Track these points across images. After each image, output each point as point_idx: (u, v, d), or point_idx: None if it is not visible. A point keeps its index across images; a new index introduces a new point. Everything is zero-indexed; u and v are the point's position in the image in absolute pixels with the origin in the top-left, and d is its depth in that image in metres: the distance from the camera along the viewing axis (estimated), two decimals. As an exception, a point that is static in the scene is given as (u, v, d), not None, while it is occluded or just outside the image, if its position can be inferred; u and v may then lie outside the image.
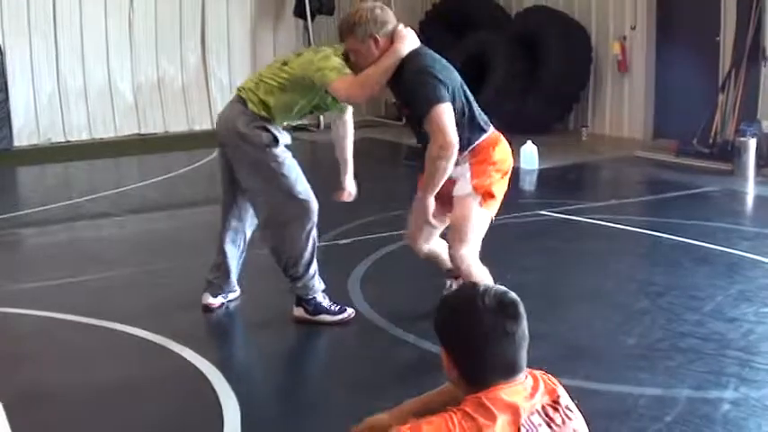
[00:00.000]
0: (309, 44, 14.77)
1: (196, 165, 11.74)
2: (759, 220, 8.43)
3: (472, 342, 2.47)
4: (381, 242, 7.08)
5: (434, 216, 4.79)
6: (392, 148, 12.98)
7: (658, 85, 12.79)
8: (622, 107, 13.23)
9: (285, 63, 5.24)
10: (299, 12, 14.82)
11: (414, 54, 4.74)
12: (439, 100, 4.52)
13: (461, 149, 4.66)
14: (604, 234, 7.78)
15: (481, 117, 4.85)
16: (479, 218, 4.76)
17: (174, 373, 4.80)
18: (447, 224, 5.00)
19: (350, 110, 5.62)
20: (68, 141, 13.62)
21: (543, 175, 10.50)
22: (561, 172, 10.77)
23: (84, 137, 13.79)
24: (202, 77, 14.77)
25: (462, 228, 4.75)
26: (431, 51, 4.83)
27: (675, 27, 12.48)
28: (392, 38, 4.76)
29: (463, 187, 4.76)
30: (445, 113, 4.52)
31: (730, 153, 10.51)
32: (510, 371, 2.47)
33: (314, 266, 5.36)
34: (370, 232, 7.39)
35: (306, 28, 14.95)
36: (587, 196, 9.79)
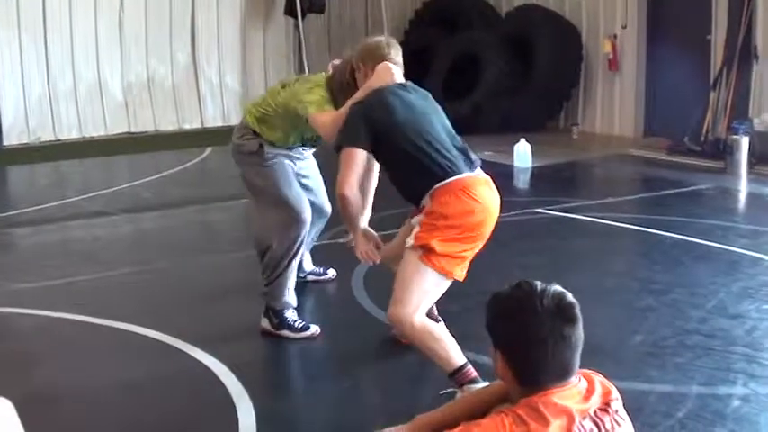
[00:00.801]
0: (300, 43, 14.77)
1: (187, 164, 11.73)
2: (754, 217, 8.45)
3: (528, 345, 2.44)
4: (383, 240, 7.05)
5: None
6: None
7: (649, 83, 12.85)
8: (613, 105, 13.28)
9: (284, 87, 5.21)
10: (290, 10, 14.79)
11: (375, 90, 4.51)
12: (348, 143, 4.31)
13: (421, 193, 4.33)
14: (602, 232, 7.81)
15: (448, 160, 4.31)
16: (418, 275, 4.23)
17: (184, 372, 4.79)
18: None
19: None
20: (58, 140, 13.55)
21: (536, 173, 10.52)
22: (554, 170, 10.79)
23: (75, 136, 13.72)
24: (192, 76, 14.72)
25: (398, 286, 4.30)
26: (400, 91, 4.50)
27: (666, 25, 12.53)
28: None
29: (409, 240, 4.33)
30: (348, 158, 4.28)
31: (722, 151, 10.55)
32: (564, 374, 2.45)
33: (288, 278, 5.25)
34: (375, 229, 7.36)
35: (296, 26, 14.94)
36: (582, 194, 9.81)
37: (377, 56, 4.65)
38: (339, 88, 4.88)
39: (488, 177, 4.46)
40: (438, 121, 4.47)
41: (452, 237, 4.23)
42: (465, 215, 4.23)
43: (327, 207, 5.82)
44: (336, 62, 5.18)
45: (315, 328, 5.25)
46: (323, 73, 5.16)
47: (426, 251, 4.21)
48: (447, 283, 4.34)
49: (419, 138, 4.31)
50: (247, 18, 15.10)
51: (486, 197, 4.33)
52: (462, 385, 4.13)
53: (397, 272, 4.38)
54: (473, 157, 4.44)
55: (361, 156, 4.29)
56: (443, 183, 4.25)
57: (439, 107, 4.62)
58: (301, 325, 5.24)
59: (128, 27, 14.01)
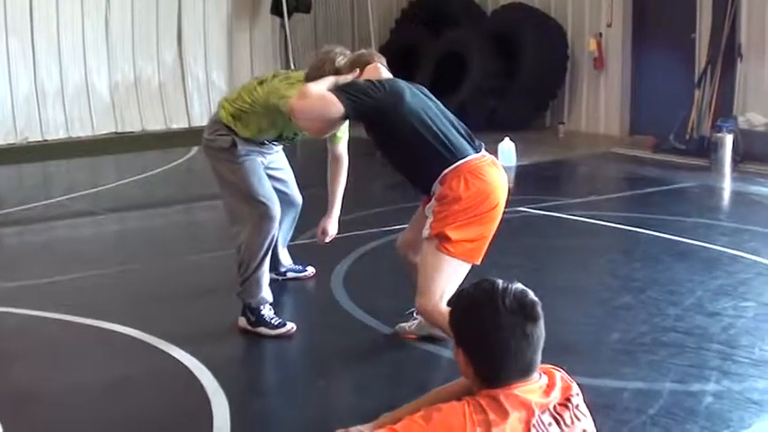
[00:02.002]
0: (286, 42, 14.77)
1: (174, 163, 11.75)
2: (736, 215, 8.50)
3: (490, 342, 2.45)
4: (362, 240, 7.11)
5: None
6: (369, 146, 12.96)
7: (634, 81, 12.90)
8: (599, 104, 13.32)
9: (261, 83, 5.24)
10: (276, 9, 14.81)
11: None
12: (343, 96, 4.29)
13: (432, 179, 4.41)
14: (584, 230, 7.84)
15: (454, 144, 4.42)
16: (438, 265, 4.37)
17: (162, 371, 4.80)
18: None
19: (344, 143, 5.58)
20: (45, 140, 13.55)
21: (521, 171, 10.54)
22: (539, 168, 10.82)
23: (62, 136, 13.72)
24: (179, 76, 14.73)
25: (421, 277, 4.44)
26: (392, 79, 4.59)
27: (651, 24, 12.58)
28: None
29: (424, 231, 4.45)
30: (327, 99, 4.28)
31: (707, 149, 10.61)
32: (525, 372, 2.46)
33: (262, 274, 5.28)
34: (350, 230, 7.40)
35: (282, 26, 14.95)
36: (566, 192, 9.85)
37: (365, 57, 4.79)
38: (316, 75, 4.89)
39: (494, 158, 4.60)
40: (439, 109, 4.57)
41: (466, 221, 4.34)
42: (476, 197, 4.34)
43: (298, 198, 5.93)
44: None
45: (290, 326, 5.26)
46: (301, 71, 5.21)
47: (442, 240, 4.33)
48: (467, 267, 4.46)
49: (429, 121, 4.42)
50: (234, 17, 15.12)
51: (495, 177, 4.43)
52: None
53: (418, 263, 4.51)
54: (477, 140, 4.55)
55: (336, 108, 4.26)
56: (452, 167, 4.35)
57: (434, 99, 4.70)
58: (278, 322, 5.26)
59: (114, 27, 14.01)
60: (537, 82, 13.21)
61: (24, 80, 13.37)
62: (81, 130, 13.88)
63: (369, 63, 4.73)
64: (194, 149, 12.44)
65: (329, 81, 4.59)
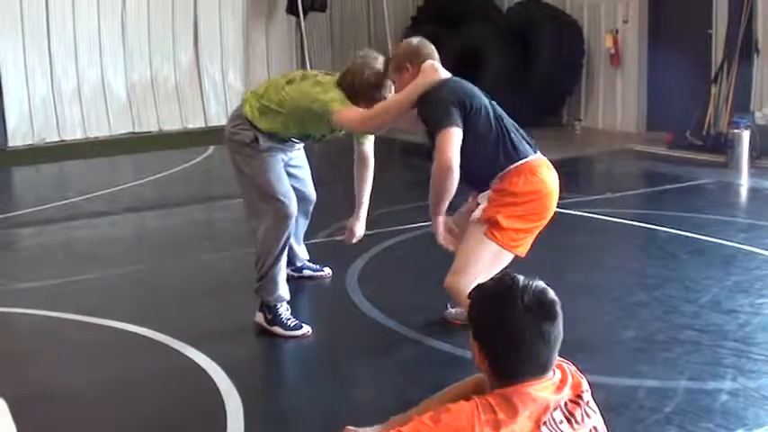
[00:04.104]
0: (302, 41, 14.77)
1: (190, 163, 11.78)
2: (753, 211, 8.46)
3: (507, 339, 2.44)
4: (377, 238, 7.10)
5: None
6: (385, 145, 12.96)
7: (651, 78, 12.84)
8: (615, 100, 13.27)
9: (289, 82, 5.21)
10: (292, 8, 14.82)
11: (438, 82, 4.70)
12: (447, 124, 4.47)
13: (493, 173, 4.61)
14: (600, 227, 7.82)
15: (518, 143, 4.67)
16: (481, 248, 4.58)
17: (176, 371, 4.81)
18: None
19: (370, 143, 5.60)
20: (63, 141, 13.57)
21: (537, 169, 10.48)
22: (555, 165, 10.66)
23: (79, 136, 13.75)
24: (195, 76, 14.74)
25: (460, 256, 4.62)
26: (458, 80, 4.78)
27: (667, 20, 12.53)
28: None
29: (475, 214, 4.66)
30: (450, 137, 4.44)
31: (723, 145, 10.55)
32: (541, 370, 2.45)
33: (278, 271, 5.28)
34: (366, 228, 7.39)
35: (298, 24, 14.96)
36: (582, 189, 9.78)
37: (423, 54, 4.84)
38: (356, 90, 5.01)
39: (546, 159, 4.81)
40: (500, 109, 4.78)
41: (518, 214, 4.58)
42: (532, 194, 4.60)
43: (313, 195, 5.94)
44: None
45: (306, 329, 5.25)
46: (327, 73, 5.25)
47: (492, 225, 4.55)
48: (508, 258, 4.64)
49: (497, 121, 4.65)
50: (250, 17, 15.13)
51: (550, 178, 4.70)
52: None
53: (459, 243, 4.62)
54: (532, 141, 4.80)
55: (459, 134, 4.45)
56: (515, 164, 4.60)
57: None
58: (294, 324, 5.25)
59: (131, 27, 14.03)
60: (553, 79, 13.18)
61: (41, 81, 13.40)
62: (98, 130, 13.90)
63: (426, 60, 4.80)
64: (211, 149, 12.48)
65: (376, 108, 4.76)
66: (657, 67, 12.63)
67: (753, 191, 9.42)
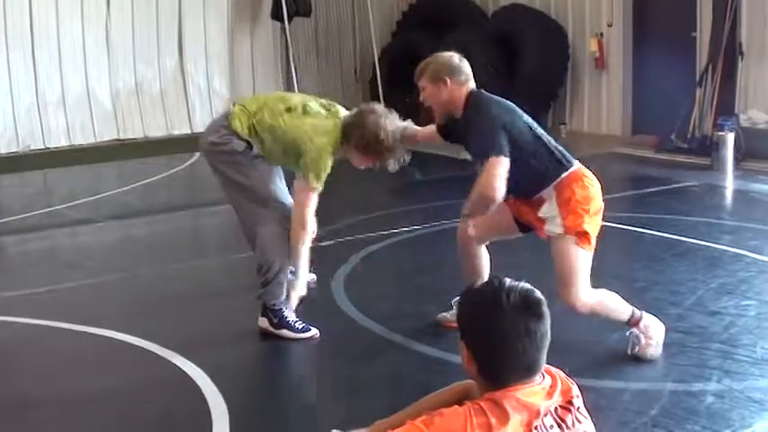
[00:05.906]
0: (287, 46, 14.71)
1: (176, 169, 11.75)
2: (738, 213, 8.49)
3: (493, 339, 2.43)
4: (363, 243, 7.09)
5: (500, 232, 5.15)
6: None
7: (636, 81, 12.86)
8: (600, 104, 13.29)
9: (288, 110, 5.13)
10: (276, 14, 14.79)
11: (479, 98, 4.84)
12: (496, 153, 4.54)
13: (540, 183, 4.73)
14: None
15: (563, 153, 4.80)
16: (579, 259, 4.74)
17: (161, 378, 4.80)
18: (501, 236, 5.24)
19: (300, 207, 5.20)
20: (47, 148, 13.52)
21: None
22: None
23: (64, 143, 13.69)
24: (180, 82, 14.71)
25: (564, 274, 4.76)
26: (498, 100, 4.88)
27: (652, 23, 12.55)
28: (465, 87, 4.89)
29: (554, 229, 4.74)
30: (499, 167, 4.52)
31: (709, 148, 10.58)
32: (529, 372, 2.44)
33: (285, 276, 5.27)
34: (351, 234, 7.40)
35: (283, 30, 14.93)
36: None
37: (465, 73, 4.92)
38: (367, 148, 5.05)
39: None
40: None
41: (590, 218, 4.74)
42: (593, 197, 4.76)
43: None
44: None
45: (314, 331, 5.25)
46: (330, 106, 5.24)
47: (581, 236, 4.70)
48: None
49: (540, 135, 4.78)
50: (234, 22, 15.10)
51: (594, 177, 4.85)
52: (637, 325, 4.80)
53: (555, 264, 4.80)
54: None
55: (507, 164, 4.54)
56: (567, 173, 4.73)
57: None
58: (302, 326, 5.25)
59: (115, 34, 13.98)
60: (538, 83, 13.18)
61: (26, 88, 13.34)
62: (83, 138, 13.85)
63: (468, 81, 4.93)
64: (196, 155, 12.40)
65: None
66: (642, 70, 12.66)
67: (738, 193, 9.45)
